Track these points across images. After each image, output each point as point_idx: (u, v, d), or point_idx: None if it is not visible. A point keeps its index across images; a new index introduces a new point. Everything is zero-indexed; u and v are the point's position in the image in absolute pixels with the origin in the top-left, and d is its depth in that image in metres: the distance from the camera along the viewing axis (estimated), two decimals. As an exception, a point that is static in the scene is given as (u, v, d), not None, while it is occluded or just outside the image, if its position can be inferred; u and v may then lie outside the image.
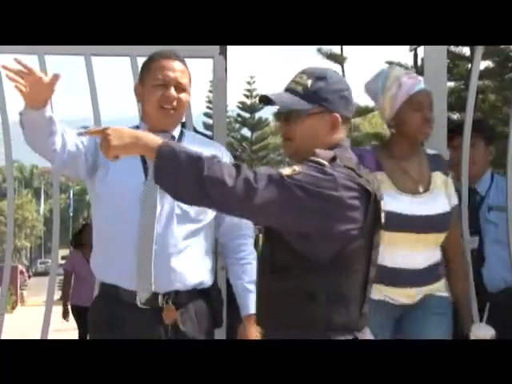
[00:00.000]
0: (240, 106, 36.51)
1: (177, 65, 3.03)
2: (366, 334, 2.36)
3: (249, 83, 36.45)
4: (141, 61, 3.32)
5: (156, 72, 3.01)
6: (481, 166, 4.16)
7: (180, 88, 3.01)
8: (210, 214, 3.04)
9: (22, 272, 34.23)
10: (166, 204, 2.95)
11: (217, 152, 3.01)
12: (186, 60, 3.15)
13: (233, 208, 2.21)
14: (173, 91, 2.99)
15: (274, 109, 2.68)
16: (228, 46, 3.77)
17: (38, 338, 3.80)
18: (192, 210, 2.97)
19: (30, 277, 42.74)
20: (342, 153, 2.34)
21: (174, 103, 3.00)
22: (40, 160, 3.01)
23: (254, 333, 2.98)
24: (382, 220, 2.36)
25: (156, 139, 2.27)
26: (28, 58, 3.72)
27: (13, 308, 25.83)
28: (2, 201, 49.09)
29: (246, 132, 36.87)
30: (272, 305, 2.32)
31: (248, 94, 36.34)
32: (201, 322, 3.00)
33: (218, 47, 3.74)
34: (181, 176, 2.17)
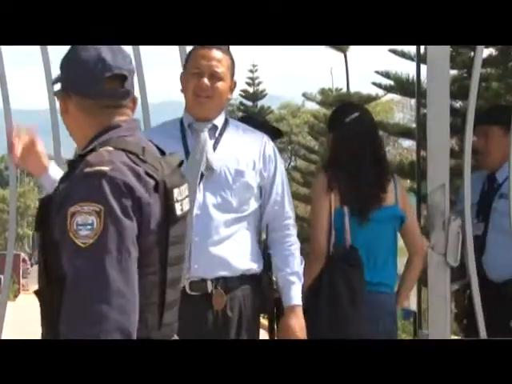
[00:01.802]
0: (242, 94, 36.42)
1: (214, 53, 3.06)
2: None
3: (251, 71, 36.36)
4: (143, 50, 3.31)
5: (193, 61, 3.07)
6: (497, 155, 4.06)
7: (216, 77, 3.03)
8: (253, 204, 3.08)
9: (24, 260, 34.29)
10: (207, 191, 2.98)
11: (259, 142, 3.10)
12: (187, 47, 3.16)
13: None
14: (206, 80, 3.02)
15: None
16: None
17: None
18: (234, 199, 3.01)
19: (32, 265, 42.75)
20: (121, 136, 2.08)
21: (209, 92, 3.03)
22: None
23: (296, 324, 3.05)
24: (178, 212, 2.07)
25: None
26: (30, 48, 3.73)
27: (15, 296, 25.90)
28: (5, 189, 49.13)
29: (248, 120, 36.72)
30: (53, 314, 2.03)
31: (250, 82, 36.26)
32: (249, 308, 3.04)
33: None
34: None
